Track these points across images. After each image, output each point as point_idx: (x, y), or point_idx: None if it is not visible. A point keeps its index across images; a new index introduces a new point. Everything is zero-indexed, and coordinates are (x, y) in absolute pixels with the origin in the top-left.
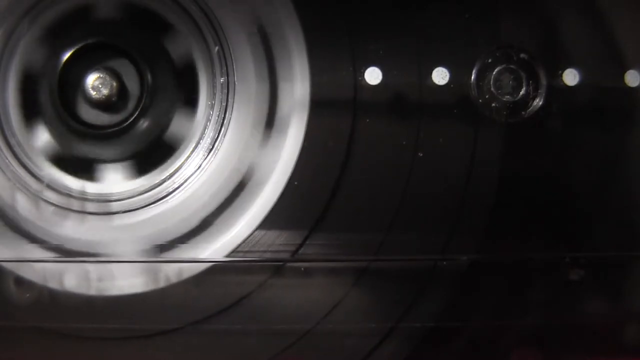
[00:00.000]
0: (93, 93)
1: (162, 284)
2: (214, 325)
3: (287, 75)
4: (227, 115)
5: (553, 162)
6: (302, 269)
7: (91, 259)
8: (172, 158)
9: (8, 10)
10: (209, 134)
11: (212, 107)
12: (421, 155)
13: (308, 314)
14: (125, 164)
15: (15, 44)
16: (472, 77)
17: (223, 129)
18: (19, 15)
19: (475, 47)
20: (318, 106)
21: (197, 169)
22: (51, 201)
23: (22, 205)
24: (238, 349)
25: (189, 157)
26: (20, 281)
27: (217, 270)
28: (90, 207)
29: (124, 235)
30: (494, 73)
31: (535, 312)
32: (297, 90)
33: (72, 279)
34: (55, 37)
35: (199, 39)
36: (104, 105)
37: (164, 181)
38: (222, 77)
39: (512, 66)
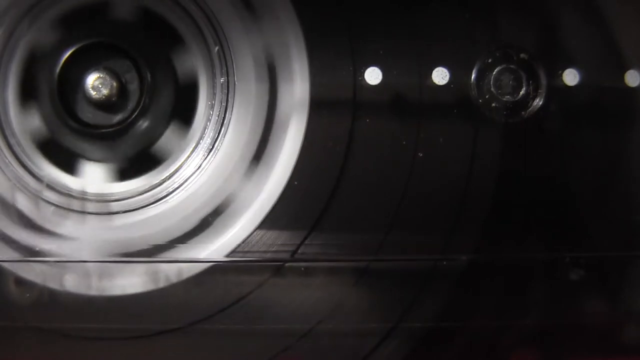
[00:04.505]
0: (93, 93)
1: (162, 284)
2: (214, 325)
3: (287, 75)
4: (227, 115)
5: (553, 162)
6: (302, 269)
7: (91, 259)
8: (172, 158)
9: (8, 10)
10: (209, 134)
11: (212, 107)
12: (421, 155)
13: (308, 314)
14: (124, 164)
15: (15, 44)
16: (472, 77)
17: (223, 129)
18: (19, 15)
19: (475, 47)
20: (318, 106)
21: (197, 169)
22: (51, 201)
23: (22, 205)
24: (238, 349)
25: (189, 157)
26: (20, 281)
27: (217, 270)
28: (90, 207)
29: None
30: (494, 73)
31: (535, 312)
32: (297, 91)
33: (72, 279)
34: (56, 37)
35: (199, 39)
36: (103, 105)
37: (164, 181)
38: (222, 77)
39: (512, 66)
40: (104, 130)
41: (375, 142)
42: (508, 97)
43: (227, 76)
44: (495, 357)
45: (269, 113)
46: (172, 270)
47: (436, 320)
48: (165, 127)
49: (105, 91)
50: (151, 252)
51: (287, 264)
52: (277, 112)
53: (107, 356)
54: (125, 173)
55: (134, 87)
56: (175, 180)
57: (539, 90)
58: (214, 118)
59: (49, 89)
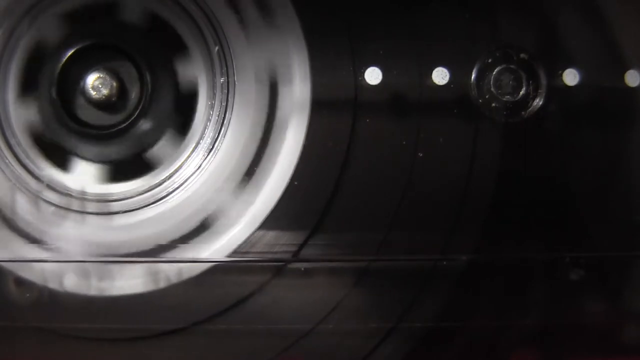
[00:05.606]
0: (93, 93)
1: (162, 284)
2: (214, 325)
3: (287, 75)
4: (227, 115)
5: (553, 162)
6: (303, 269)
7: (91, 259)
8: (172, 158)
9: (8, 10)
10: (209, 134)
11: (212, 107)
12: (421, 155)
13: (309, 314)
14: (124, 164)
15: (15, 44)
16: (472, 77)
17: (223, 129)
18: (19, 15)
19: (475, 47)
20: (318, 106)
21: (197, 169)
22: (51, 201)
23: (22, 205)
24: (239, 349)
25: (189, 157)
26: (20, 281)
27: (217, 270)
28: (90, 207)
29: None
30: (494, 73)
31: (535, 312)
32: (297, 91)
33: (72, 279)
34: (56, 37)
35: (199, 39)
36: (104, 105)
37: (164, 181)
38: (222, 77)
39: (512, 66)
40: (103, 131)
41: (375, 142)
42: (508, 97)
43: (227, 76)
44: (495, 357)
45: (269, 113)
46: (172, 271)
47: (436, 320)
48: (165, 127)
49: (105, 91)
50: (151, 252)
51: (287, 265)
52: (277, 112)
53: (107, 357)
54: (125, 173)
55: (134, 87)
56: (175, 180)
57: (539, 90)
58: (214, 118)
59: (49, 89)
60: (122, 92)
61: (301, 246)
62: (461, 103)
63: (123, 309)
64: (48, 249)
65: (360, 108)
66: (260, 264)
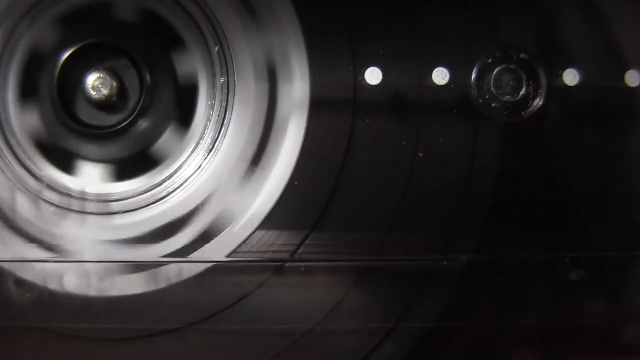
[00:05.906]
0: (93, 93)
1: (162, 284)
2: (214, 325)
3: (287, 75)
4: (227, 115)
5: (553, 162)
6: (302, 268)
7: (91, 259)
8: (172, 158)
9: (8, 10)
10: (209, 134)
11: (212, 107)
12: (421, 155)
13: (308, 313)
14: (124, 164)
15: (15, 44)
16: (472, 77)
17: (223, 129)
18: (19, 15)
19: (475, 47)
20: (318, 106)
21: (197, 169)
22: (51, 201)
23: (22, 205)
24: (238, 349)
25: (189, 157)
26: (20, 281)
27: (217, 270)
28: (90, 207)
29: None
30: (494, 73)
31: (535, 312)
32: (296, 90)
33: (72, 279)
34: (55, 36)
35: (199, 39)
36: (103, 105)
37: (164, 181)
38: (222, 77)
39: (512, 66)
40: (103, 131)
41: (375, 142)
42: (508, 97)
43: (227, 76)
44: (495, 357)
45: (268, 113)
46: (172, 271)
47: (436, 320)
48: (165, 127)
49: (105, 91)
50: (151, 252)
51: (287, 264)
52: (277, 112)
53: (107, 356)
54: (125, 173)
55: (134, 87)
56: (175, 180)
57: (539, 90)
58: (214, 118)
59: (49, 89)
60: (122, 92)
61: (300, 246)
62: (461, 103)
63: (123, 309)
64: (48, 249)
65: (360, 108)
66: (259, 263)
